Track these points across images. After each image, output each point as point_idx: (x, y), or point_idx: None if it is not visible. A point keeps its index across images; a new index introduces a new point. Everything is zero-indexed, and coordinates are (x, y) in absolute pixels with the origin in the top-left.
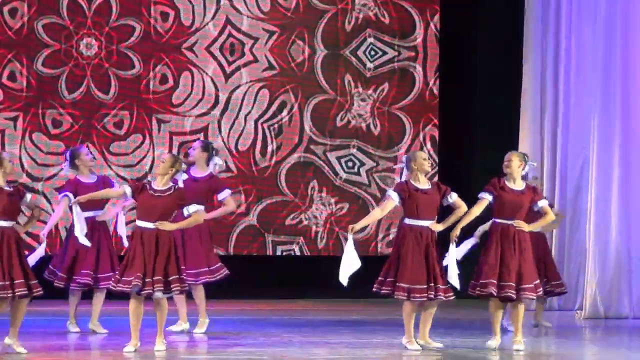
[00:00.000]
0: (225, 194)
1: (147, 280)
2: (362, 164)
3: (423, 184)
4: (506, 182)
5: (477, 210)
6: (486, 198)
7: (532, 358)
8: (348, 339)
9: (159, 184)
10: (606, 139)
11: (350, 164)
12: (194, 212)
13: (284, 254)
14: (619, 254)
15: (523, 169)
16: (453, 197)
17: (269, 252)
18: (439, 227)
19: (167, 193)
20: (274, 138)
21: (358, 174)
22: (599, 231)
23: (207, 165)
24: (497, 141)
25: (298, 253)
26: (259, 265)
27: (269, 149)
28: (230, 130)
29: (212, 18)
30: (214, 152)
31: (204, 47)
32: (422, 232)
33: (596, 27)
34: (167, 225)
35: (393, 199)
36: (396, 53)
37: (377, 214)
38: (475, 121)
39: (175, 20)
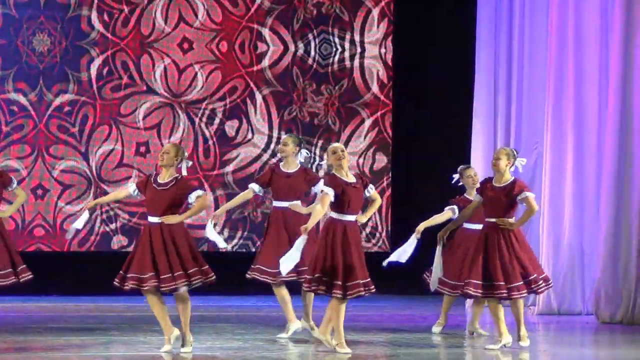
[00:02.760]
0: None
1: (164, 276)
2: None
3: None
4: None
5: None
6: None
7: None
8: None
9: (164, 176)
10: (559, 135)
11: None
12: (197, 198)
13: None
14: (572, 250)
15: (511, 166)
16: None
17: None
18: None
19: (170, 185)
20: None
21: None
22: (551, 227)
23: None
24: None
25: None
26: None
27: None
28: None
29: None
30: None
31: None
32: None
33: (548, 20)
34: (172, 219)
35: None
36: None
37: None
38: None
39: None
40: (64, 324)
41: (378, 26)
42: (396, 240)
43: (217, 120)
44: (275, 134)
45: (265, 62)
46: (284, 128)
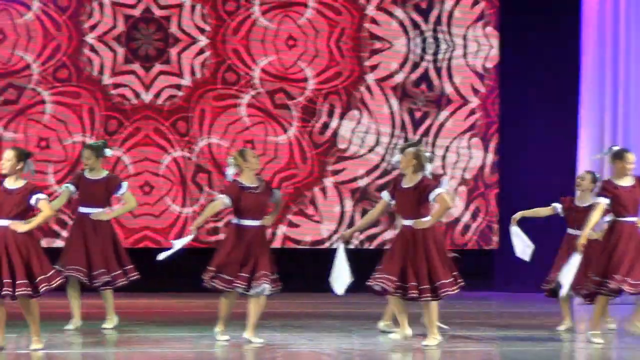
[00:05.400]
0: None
1: (240, 276)
2: None
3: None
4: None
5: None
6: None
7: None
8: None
9: (251, 180)
10: None
11: None
12: (278, 198)
13: None
14: None
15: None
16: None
17: None
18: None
19: (259, 190)
20: None
21: None
22: None
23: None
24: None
25: None
26: None
27: None
28: None
29: None
30: None
31: None
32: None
33: None
34: (268, 220)
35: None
36: None
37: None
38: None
39: None
40: (177, 320)
41: (484, 28)
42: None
43: None
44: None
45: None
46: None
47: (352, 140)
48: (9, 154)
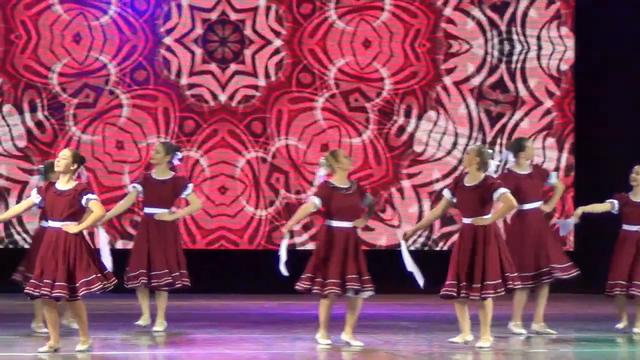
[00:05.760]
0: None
1: (349, 278)
2: None
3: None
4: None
5: None
6: None
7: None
8: None
9: (342, 181)
10: None
11: None
12: (372, 200)
13: None
14: None
15: None
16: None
17: None
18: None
19: (350, 191)
20: None
21: None
22: None
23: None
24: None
25: None
26: None
27: None
28: None
29: None
30: None
31: None
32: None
33: None
34: (360, 222)
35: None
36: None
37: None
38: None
39: None
40: (250, 322)
41: (559, 28)
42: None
43: None
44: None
45: None
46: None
47: (428, 143)
48: (65, 153)
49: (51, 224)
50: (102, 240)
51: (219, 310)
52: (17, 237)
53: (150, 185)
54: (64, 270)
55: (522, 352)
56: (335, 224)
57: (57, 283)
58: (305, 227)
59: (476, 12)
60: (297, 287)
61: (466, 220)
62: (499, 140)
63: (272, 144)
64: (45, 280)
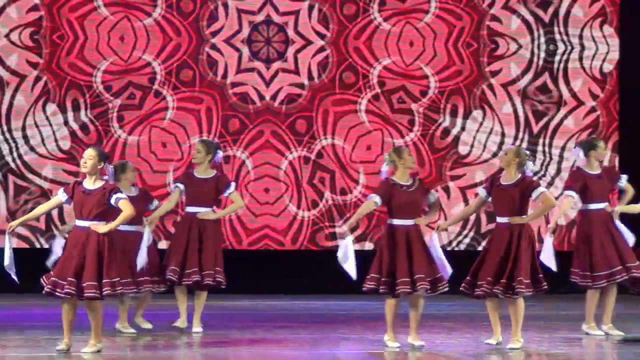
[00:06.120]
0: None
1: (418, 278)
2: None
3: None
4: None
5: None
6: None
7: None
8: None
9: (405, 178)
10: None
11: None
12: (436, 199)
13: None
14: None
15: None
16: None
17: None
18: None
19: (414, 187)
20: None
21: None
22: None
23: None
24: None
25: None
26: None
27: None
28: None
29: None
30: None
31: None
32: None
33: None
34: (422, 220)
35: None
36: None
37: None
38: None
39: None
40: (294, 322)
41: (602, 28)
42: None
43: None
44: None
45: None
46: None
47: (473, 144)
48: (91, 153)
49: (79, 223)
50: (145, 242)
51: (263, 310)
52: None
53: (192, 184)
54: (92, 270)
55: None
56: (396, 221)
57: (87, 283)
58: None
59: (522, 10)
60: (364, 287)
61: (502, 220)
62: (541, 141)
63: (316, 143)
64: (69, 279)
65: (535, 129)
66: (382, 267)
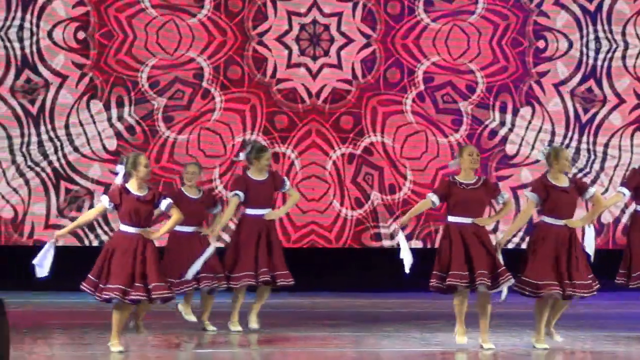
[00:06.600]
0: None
1: (478, 275)
2: None
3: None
4: None
5: None
6: None
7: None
8: None
9: (467, 176)
10: None
11: None
12: (507, 199)
13: None
14: None
15: None
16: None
17: None
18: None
19: (478, 185)
20: None
21: None
22: None
23: None
24: None
25: None
26: None
27: None
28: None
29: None
30: None
31: None
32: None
33: None
34: (485, 220)
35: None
36: None
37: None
38: None
39: None
40: (339, 320)
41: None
42: None
43: None
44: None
45: None
46: None
47: (521, 144)
48: (147, 162)
49: (129, 229)
50: (205, 257)
51: (309, 308)
52: (104, 237)
53: (251, 188)
54: (157, 273)
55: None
56: (453, 219)
57: (155, 284)
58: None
59: (564, 13)
60: (430, 285)
61: (558, 222)
62: (584, 139)
63: (362, 140)
64: (137, 284)
65: (580, 126)
66: (443, 264)
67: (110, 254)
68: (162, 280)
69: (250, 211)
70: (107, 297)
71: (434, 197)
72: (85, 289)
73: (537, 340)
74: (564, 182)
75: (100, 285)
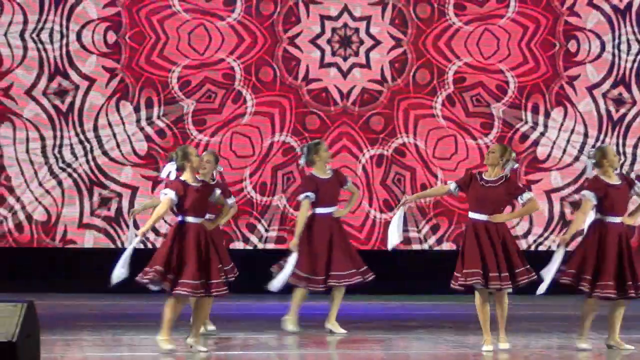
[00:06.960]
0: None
1: (491, 274)
2: None
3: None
4: None
5: None
6: None
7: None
8: None
9: (491, 174)
10: None
11: None
12: (528, 199)
13: None
14: None
15: None
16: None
17: None
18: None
19: (498, 183)
20: None
21: None
22: None
23: None
24: None
25: None
26: None
27: None
28: None
29: None
30: None
31: None
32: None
33: None
34: (500, 217)
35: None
36: None
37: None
38: None
39: None
40: (369, 322)
41: None
42: None
43: None
44: None
45: None
46: None
47: (553, 147)
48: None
49: (195, 220)
50: (290, 266)
51: (341, 310)
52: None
53: (321, 186)
54: (217, 268)
55: None
56: (471, 215)
57: (215, 281)
58: (434, 229)
59: (595, 13)
60: (452, 285)
61: (615, 220)
62: (614, 140)
63: (393, 142)
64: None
65: (610, 128)
66: (463, 264)
67: (179, 248)
68: (219, 277)
69: (319, 210)
70: (182, 292)
71: (452, 185)
72: (149, 280)
73: (579, 340)
74: (616, 179)
75: (169, 277)
